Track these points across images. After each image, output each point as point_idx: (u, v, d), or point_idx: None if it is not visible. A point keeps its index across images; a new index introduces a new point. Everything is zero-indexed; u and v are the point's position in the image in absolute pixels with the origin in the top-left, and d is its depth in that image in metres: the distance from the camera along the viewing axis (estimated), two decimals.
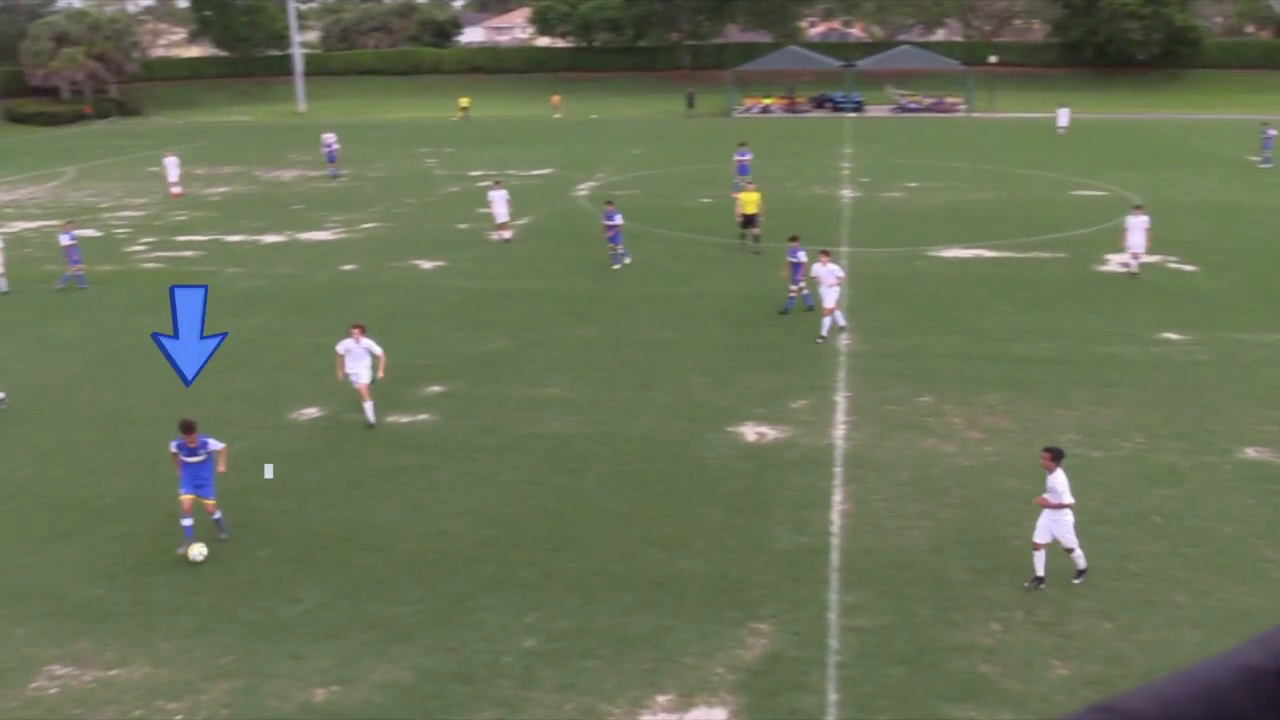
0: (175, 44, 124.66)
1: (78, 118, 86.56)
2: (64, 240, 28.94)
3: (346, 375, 18.00)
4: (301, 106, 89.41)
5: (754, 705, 10.64)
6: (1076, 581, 12.66)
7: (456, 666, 11.44)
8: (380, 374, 17.87)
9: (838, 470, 16.01)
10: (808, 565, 13.31)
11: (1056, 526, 12.51)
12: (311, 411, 19.12)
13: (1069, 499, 12.38)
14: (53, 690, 11.39)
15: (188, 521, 13.94)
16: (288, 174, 51.08)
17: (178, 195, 44.00)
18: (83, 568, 13.88)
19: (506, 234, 32.20)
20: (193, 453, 14.00)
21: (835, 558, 13.46)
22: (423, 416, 18.71)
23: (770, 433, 17.52)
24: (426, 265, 30.33)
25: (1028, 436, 16.94)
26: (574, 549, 13.88)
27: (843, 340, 21.95)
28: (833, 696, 10.75)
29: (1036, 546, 12.63)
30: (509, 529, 14.49)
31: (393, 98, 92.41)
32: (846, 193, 40.89)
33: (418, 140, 63.60)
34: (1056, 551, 12.70)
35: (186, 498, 14.00)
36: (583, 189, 43.17)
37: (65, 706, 11.09)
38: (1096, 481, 15.23)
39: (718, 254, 30.50)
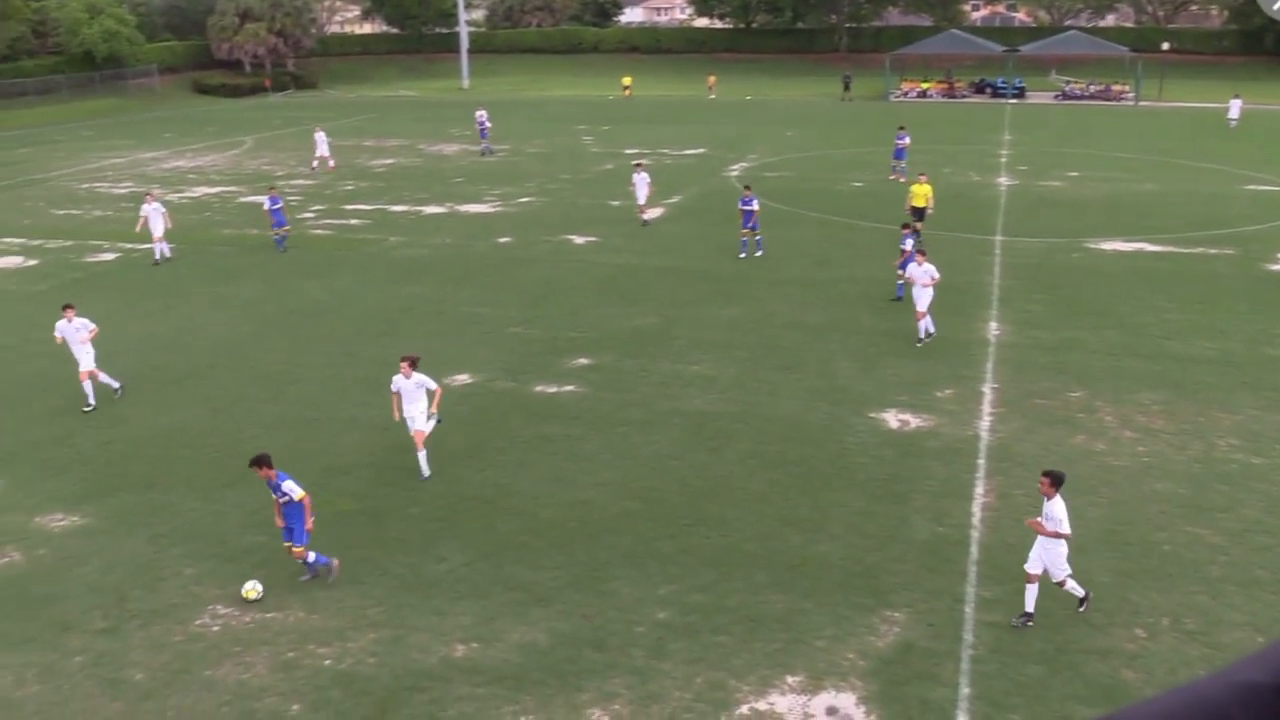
0: (349, 21, 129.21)
1: (257, 90, 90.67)
2: (267, 204, 30.46)
3: (403, 417, 15.71)
4: (465, 83, 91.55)
5: (884, 693, 10.63)
6: (1082, 610, 11.84)
7: (591, 633, 11.75)
8: (434, 408, 15.51)
9: (981, 462, 15.73)
10: (945, 556, 13.15)
11: (1049, 556, 11.64)
12: (464, 378, 19.75)
13: (1068, 529, 11.51)
14: (215, 628, 12.17)
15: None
16: (450, 148, 52.46)
17: (330, 168, 45.68)
18: (246, 515, 14.72)
19: (645, 216, 32.29)
20: (275, 489, 12.91)
21: (974, 550, 13.27)
22: (569, 388, 19.12)
23: (913, 421, 17.31)
24: (579, 240, 30.84)
25: (1184, 439, 16.31)
26: (711, 526, 14.03)
27: (916, 344, 20.99)
28: (965, 690, 10.64)
29: (1029, 578, 11.74)
30: (648, 502, 14.74)
31: (553, 75, 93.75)
32: (1003, 180, 39.76)
33: (575, 118, 64.46)
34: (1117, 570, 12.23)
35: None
36: (735, 169, 43.11)
37: (225, 644, 11.84)
38: (1257, 490, 14.59)
39: (868, 238, 30.10)
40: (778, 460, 15.96)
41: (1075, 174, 41.04)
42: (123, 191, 42.77)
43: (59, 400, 19.33)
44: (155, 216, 28.90)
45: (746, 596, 12.38)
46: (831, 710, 10.41)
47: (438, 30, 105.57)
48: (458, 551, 13.58)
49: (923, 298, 20.72)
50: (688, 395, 18.61)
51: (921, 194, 29.00)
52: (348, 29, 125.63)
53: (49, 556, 13.84)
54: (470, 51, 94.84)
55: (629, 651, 11.40)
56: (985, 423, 17.15)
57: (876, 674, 10.94)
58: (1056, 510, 11.46)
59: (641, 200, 31.95)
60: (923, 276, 20.69)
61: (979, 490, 14.84)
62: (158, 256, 29.34)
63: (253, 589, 12.55)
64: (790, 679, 10.87)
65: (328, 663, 11.40)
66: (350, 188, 41.67)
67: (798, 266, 27.12)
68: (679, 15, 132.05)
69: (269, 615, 12.32)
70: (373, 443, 17.03)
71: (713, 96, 76.77)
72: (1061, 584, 11.74)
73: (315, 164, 45.93)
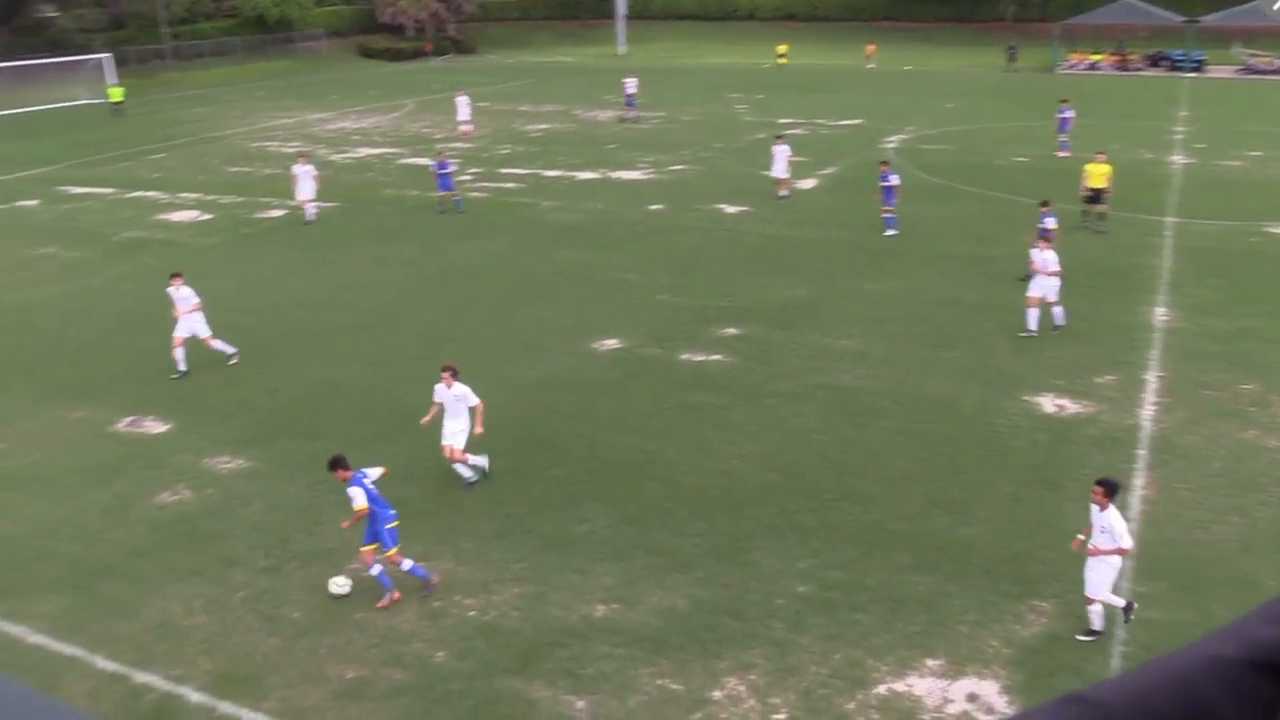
0: None
1: (419, 54, 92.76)
2: (435, 168, 31.16)
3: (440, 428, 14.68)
4: (621, 49, 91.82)
5: (1027, 684, 10.38)
6: (1081, 638, 10.99)
7: (730, 602, 11.79)
8: (479, 429, 14.42)
9: (1141, 453, 15.12)
10: None
11: (1096, 570, 10.88)
12: (612, 343, 19.95)
13: (1129, 542, 10.72)
14: (366, 574, 12.64)
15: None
16: (604, 114, 52.76)
17: (467, 133, 46.44)
18: (398, 468, 15.17)
19: (783, 191, 31.67)
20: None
21: (1131, 544, 12.78)
22: (716, 357, 19.13)
23: (1070, 406, 16.74)
24: (730, 209, 30.71)
25: None
26: (855, 502, 13.89)
27: (1030, 331, 19.85)
28: None
29: (1089, 601, 11.00)
30: (792, 475, 14.67)
31: (708, 43, 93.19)
32: (1178, 159, 37.84)
33: (729, 86, 64.02)
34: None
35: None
36: (891, 141, 42.19)
37: (376, 589, 12.29)
38: None
39: (1028, 215, 29.06)
40: (926, 439, 15.66)
41: (1258, 154, 38.79)
42: (291, 150, 44.41)
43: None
44: (305, 178, 29.90)
45: (888, 575, 12.23)
46: (972, 697, 10.23)
47: None
48: (601, 514, 13.78)
49: (1042, 286, 19.50)
50: (836, 369, 18.40)
51: (1100, 174, 27.17)
52: None
53: (216, 496, 14.61)
54: (627, 18, 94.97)
55: (768, 623, 11.40)
56: (1148, 412, 16.47)
57: (1021, 664, 10.69)
58: (1114, 523, 10.70)
59: (780, 174, 31.36)
60: (1047, 264, 19.47)
61: (1138, 482, 14.28)
62: (310, 216, 30.35)
63: (339, 584, 12.18)
64: (930, 662, 10.72)
65: (472, 614, 11.75)
66: (506, 152, 42.38)
67: (954, 242, 26.44)
68: None
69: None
70: (521, 402, 17.38)
71: (871, 66, 75.16)
72: (1089, 603, 11.00)
73: (468, 128, 46.85)
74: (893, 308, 21.53)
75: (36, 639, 11.51)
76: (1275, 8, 67.82)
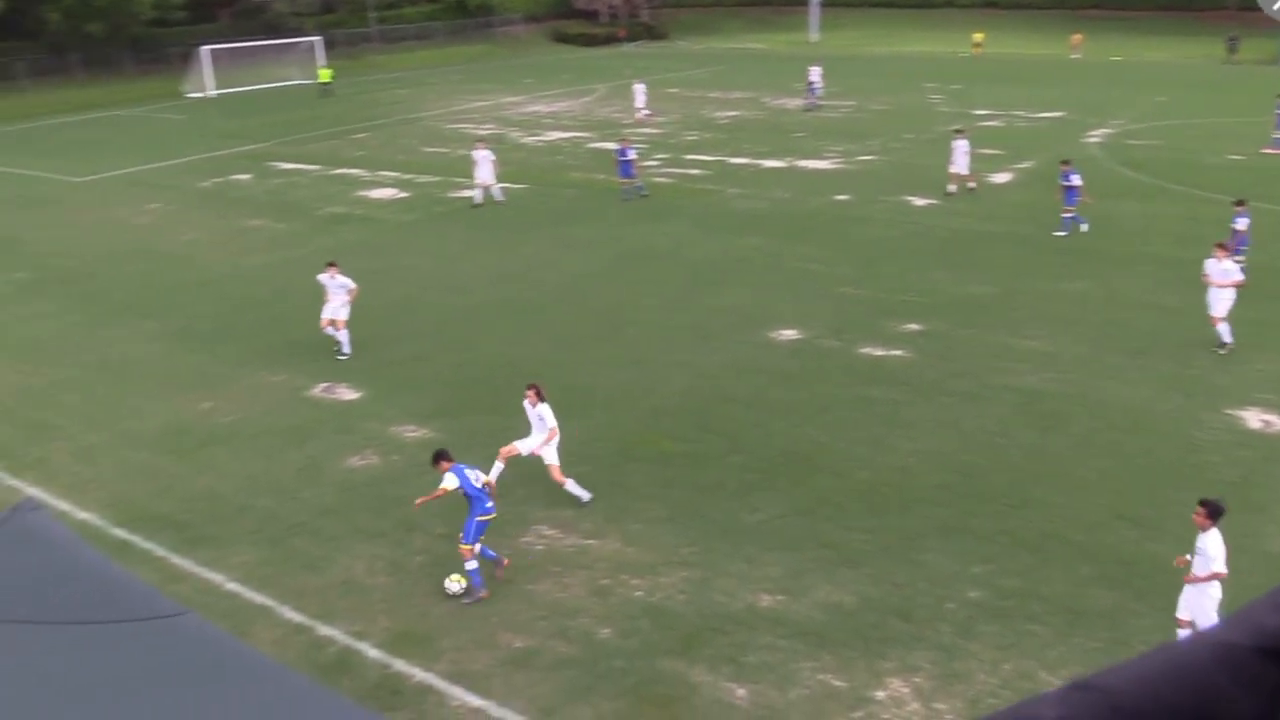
0: None
1: (611, 40, 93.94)
2: (618, 155, 31.51)
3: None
4: (813, 36, 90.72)
5: None
6: None
7: (899, 602, 11.57)
8: (553, 460, 13.76)
9: None
10: None
11: (1196, 600, 10.08)
12: (791, 333, 19.79)
13: (1221, 567, 9.79)
14: (539, 547, 12.97)
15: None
16: (793, 102, 52.25)
17: (648, 118, 46.74)
18: (575, 446, 15.47)
19: (951, 187, 30.36)
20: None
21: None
22: (897, 352, 18.74)
23: (1278, 422, 15.68)
24: (918, 202, 29.98)
25: None
26: (1034, 509, 13.39)
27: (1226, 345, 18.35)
28: None
29: (1179, 624, 10.25)
30: (969, 476, 14.26)
31: (903, 30, 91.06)
32: None
33: (924, 75, 62.43)
34: None
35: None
36: (1095, 135, 40.32)
37: (547, 563, 12.60)
38: None
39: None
40: (1114, 449, 14.96)
41: None
42: (485, 132, 45.68)
43: (421, 323, 21.10)
44: (484, 163, 30.56)
45: (1067, 587, 11.75)
46: None
47: None
48: (772, 503, 13.72)
49: (1219, 300, 17.95)
50: (1021, 370, 17.76)
51: None
52: None
53: (401, 462, 15.21)
54: (821, 5, 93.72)
55: (936, 626, 11.13)
56: None
57: None
58: (1209, 546, 9.85)
59: (960, 169, 30.22)
60: (1222, 275, 17.92)
61: None
62: (479, 199, 30.88)
63: (452, 581, 12.03)
64: None
65: (639, 594, 11.89)
66: (693, 138, 42.50)
67: (1157, 243, 25.10)
68: None
69: (587, 542, 12.98)
70: (699, 388, 17.45)
71: (1076, 56, 71.98)
72: (1180, 625, 10.28)
73: (643, 114, 47.18)
74: (1086, 309, 20.62)
75: (231, 586, 12.26)
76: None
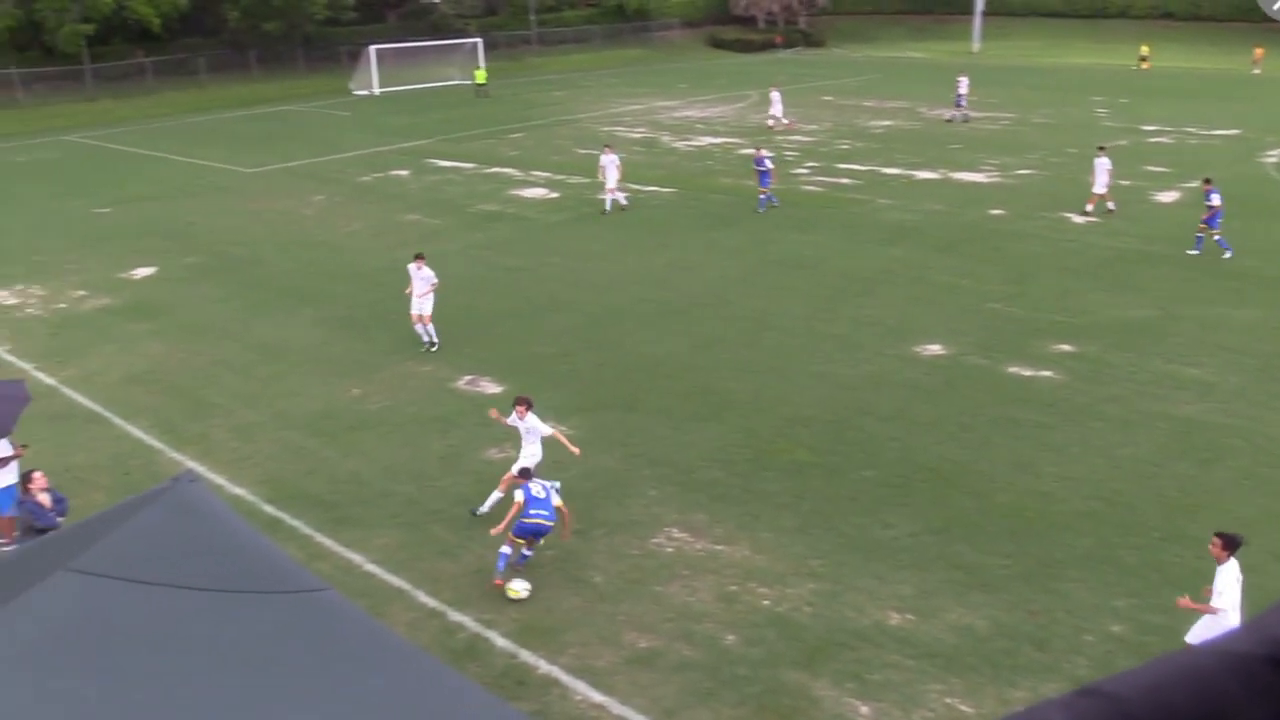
0: None
1: (767, 46, 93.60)
2: (754, 163, 31.20)
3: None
4: (975, 46, 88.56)
5: None
6: None
7: (1034, 630, 11.21)
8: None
9: None
10: None
11: (1210, 634, 9.14)
12: (935, 348, 19.39)
13: (1221, 603, 9.67)
14: (669, 549, 13.02)
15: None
16: (950, 113, 51.14)
17: (781, 126, 46.26)
18: (710, 450, 15.53)
19: (1090, 206, 29.00)
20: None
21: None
22: (1045, 373, 18.16)
23: None
24: (1077, 219, 28.98)
25: None
26: (1186, 544, 12.79)
27: None
28: None
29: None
30: (1116, 506, 13.72)
31: (1071, 42, 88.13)
32: None
33: (1090, 88, 60.31)
34: None
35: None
36: (1272, 155, 38.30)
37: (676, 565, 12.64)
38: None
39: None
40: (1278, 487, 14.18)
41: None
42: (637, 136, 46.13)
43: (564, 321, 21.42)
44: (610, 168, 30.54)
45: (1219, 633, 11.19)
46: None
47: None
48: (906, 520, 13.47)
49: None
50: (1179, 399, 17.00)
51: None
52: None
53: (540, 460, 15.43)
54: (985, 14, 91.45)
55: (1072, 659, 10.75)
56: None
57: None
58: (1219, 579, 9.83)
59: (1100, 188, 29.01)
60: None
61: None
62: (608, 206, 30.75)
63: (518, 589, 12.00)
64: None
65: (766, 603, 11.82)
66: (845, 147, 42.02)
67: None
68: None
69: (717, 547, 12.97)
70: (838, 399, 17.25)
71: (1257, 71, 68.45)
72: None
73: (771, 122, 46.75)
74: (1255, 338, 19.60)
75: (370, 568, 12.68)
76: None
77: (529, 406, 13.74)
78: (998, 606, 11.63)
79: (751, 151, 32.95)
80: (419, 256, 20.02)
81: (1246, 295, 22.06)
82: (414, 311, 19.94)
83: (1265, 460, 14.88)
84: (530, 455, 13.65)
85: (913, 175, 35.82)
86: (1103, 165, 28.82)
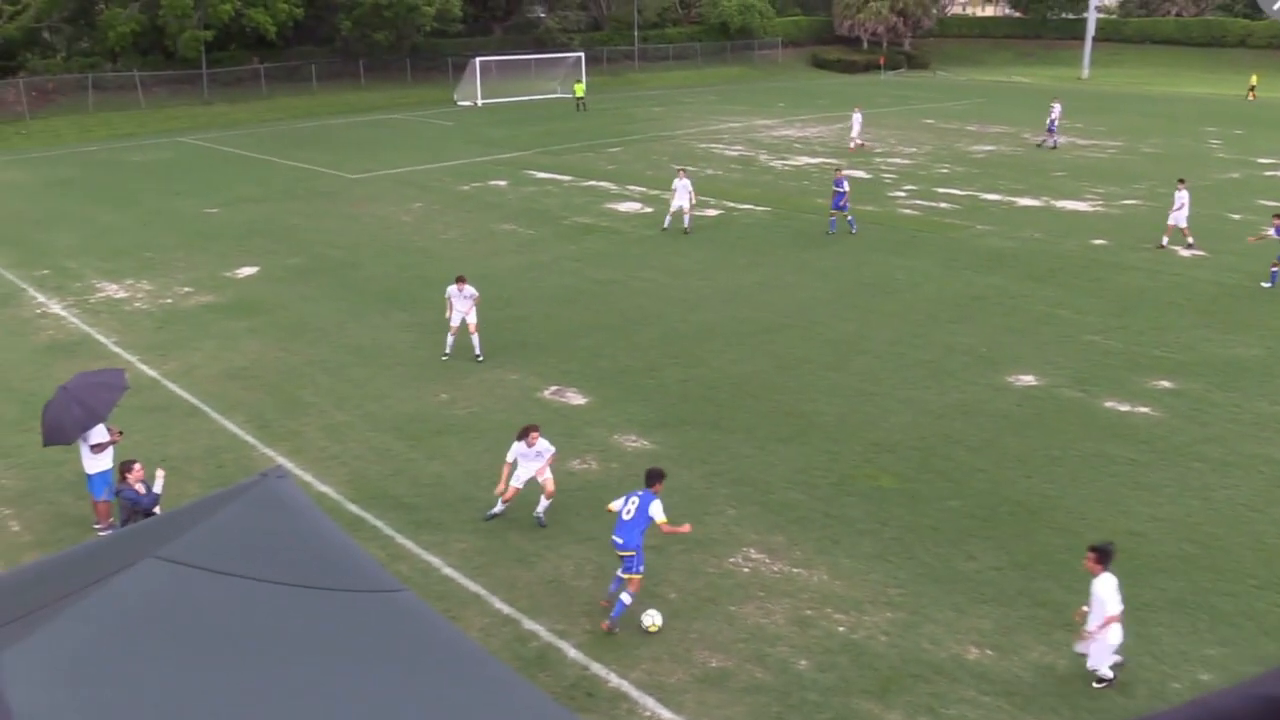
0: (972, 2, 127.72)
1: (870, 67, 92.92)
2: (836, 184, 30.62)
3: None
4: (1085, 72, 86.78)
5: None
6: (1097, 685, 10.64)
7: (1119, 674, 10.88)
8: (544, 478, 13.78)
9: None
10: None
11: (1100, 647, 10.47)
12: (1028, 378, 18.99)
13: (1114, 609, 10.26)
14: (745, 569, 12.94)
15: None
16: (1041, 137, 50.14)
17: (854, 146, 46.11)
18: (792, 472, 15.41)
19: (1165, 239, 27.94)
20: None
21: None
22: (1143, 409, 17.66)
23: None
24: (1183, 252, 28.15)
25: None
26: None
27: None
28: None
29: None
30: (1211, 550, 13.27)
31: (1185, 70, 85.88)
32: None
33: (1203, 118, 58.62)
34: None
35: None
36: None
37: (751, 586, 12.55)
38: None
39: None
40: None
41: None
42: (734, 154, 46.11)
43: (651, 336, 21.47)
44: (682, 191, 29.84)
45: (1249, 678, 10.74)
46: None
47: (1063, 15, 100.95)
48: (990, 553, 13.20)
49: None
50: None
51: None
52: (969, 10, 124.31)
53: (619, 470, 15.50)
54: (1096, 39, 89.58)
55: (1155, 705, 10.40)
56: None
57: None
58: (1099, 589, 10.36)
59: (1178, 221, 27.99)
60: None
61: None
62: (667, 224, 30.43)
63: (652, 622, 11.69)
64: None
65: (841, 629, 11.68)
66: (945, 171, 41.47)
67: None
68: None
69: (795, 570, 12.85)
70: (925, 426, 16.99)
71: None
72: (1094, 671, 10.60)
73: (853, 144, 46.33)
74: None
75: (448, 571, 12.83)
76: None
77: (539, 432, 13.94)
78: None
79: (864, 175, 32.63)
80: (460, 279, 20.15)
81: None
82: (455, 323, 20.08)
83: None
84: (525, 474, 13.81)
85: (1014, 202, 35.18)
86: (1181, 197, 27.95)
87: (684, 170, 31.38)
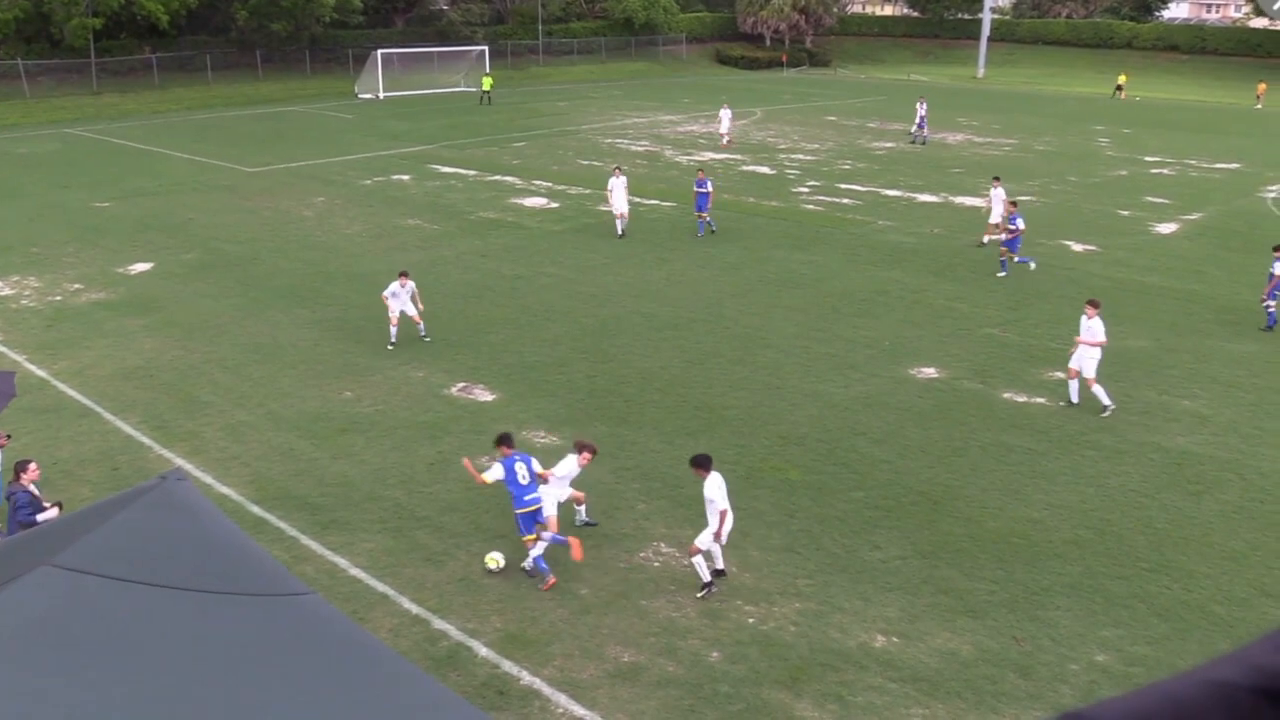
0: (872, 1, 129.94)
1: (773, 64, 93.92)
2: (698, 184, 29.91)
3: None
4: (980, 72, 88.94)
5: None
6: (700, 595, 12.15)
7: (1018, 657, 11.18)
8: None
9: None
10: None
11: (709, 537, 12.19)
12: (930, 371, 19.39)
13: (724, 504, 12.15)
14: (656, 563, 12.98)
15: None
16: (954, 137, 51.33)
17: (724, 144, 46.72)
18: None
19: (986, 238, 28.57)
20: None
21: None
22: (1039, 400, 18.16)
23: None
24: (1076, 247, 29.05)
25: None
26: (1173, 576, 12.79)
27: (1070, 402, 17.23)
28: None
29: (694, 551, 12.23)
30: (1105, 536, 13.71)
31: (1075, 71, 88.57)
32: None
33: (1092, 117, 60.52)
34: None
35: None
36: (1272, 190, 38.43)
37: (662, 580, 12.60)
38: None
39: None
40: (1268, 520, 14.18)
41: None
42: (639, 149, 46.18)
43: (558, 331, 21.40)
44: (619, 190, 29.37)
45: (1201, 661, 11.15)
46: None
47: (959, 16, 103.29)
48: (894, 543, 13.45)
49: (1076, 358, 17.83)
50: (1171, 430, 17.01)
51: None
52: (868, 9, 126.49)
53: None
54: (990, 39, 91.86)
55: (1056, 687, 10.73)
56: None
57: None
58: (710, 490, 12.12)
59: (996, 219, 28.61)
60: (1086, 333, 17.71)
61: None
62: (620, 231, 29.65)
63: (494, 559, 12.56)
64: None
65: (751, 620, 11.79)
66: (847, 167, 42.12)
67: None
68: (1231, 14, 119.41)
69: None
70: (830, 419, 17.23)
71: (1259, 107, 68.78)
72: (694, 553, 12.21)
73: (724, 140, 46.89)
74: (1250, 372, 19.63)
75: (355, 572, 12.63)
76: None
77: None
78: (983, 632, 11.60)
79: (768, 170, 32.86)
80: (403, 274, 20.54)
81: (1241, 329, 22.10)
82: (394, 314, 20.35)
83: (1256, 494, 14.88)
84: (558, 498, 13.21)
85: (914, 198, 35.89)
86: (998, 195, 28.36)
87: (619, 169, 30.67)
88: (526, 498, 12.52)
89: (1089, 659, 11.17)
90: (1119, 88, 73.15)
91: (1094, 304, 17.96)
